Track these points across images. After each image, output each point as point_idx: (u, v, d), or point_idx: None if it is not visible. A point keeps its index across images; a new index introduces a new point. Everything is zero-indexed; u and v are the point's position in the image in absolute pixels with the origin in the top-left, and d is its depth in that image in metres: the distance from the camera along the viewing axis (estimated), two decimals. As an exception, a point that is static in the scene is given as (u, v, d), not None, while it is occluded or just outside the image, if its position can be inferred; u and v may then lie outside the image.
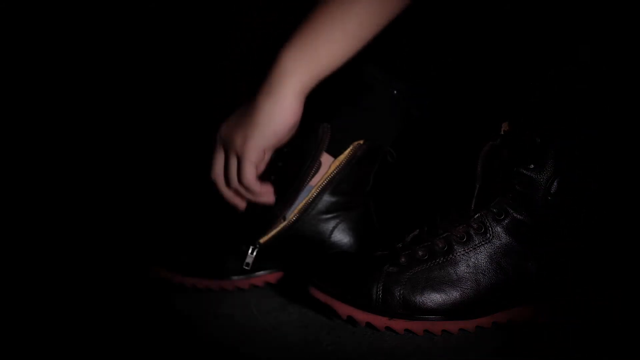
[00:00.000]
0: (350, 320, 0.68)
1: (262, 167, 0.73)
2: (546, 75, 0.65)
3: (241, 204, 0.76)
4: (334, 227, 0.79)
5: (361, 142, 0.78)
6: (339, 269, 0.70)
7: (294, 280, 0.78)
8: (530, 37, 0.67)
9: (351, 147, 0.78)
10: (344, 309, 0.68)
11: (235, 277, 0.80)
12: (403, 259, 0.67)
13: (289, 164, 0.76)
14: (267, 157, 0.73)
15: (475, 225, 0.67)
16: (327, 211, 0.78)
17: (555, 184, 0.65)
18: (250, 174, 0.71)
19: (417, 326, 0.66)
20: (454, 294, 0.66)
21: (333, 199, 0.78)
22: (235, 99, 0.89)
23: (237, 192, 0.75)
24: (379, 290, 0.66)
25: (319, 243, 0.79)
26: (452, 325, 0.66)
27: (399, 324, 0.66)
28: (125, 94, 1.26)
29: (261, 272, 0.81)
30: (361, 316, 0.67)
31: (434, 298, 0.66)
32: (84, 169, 1.24)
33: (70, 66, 1.21)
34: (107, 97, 1.26)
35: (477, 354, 0.64)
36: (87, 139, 1.26)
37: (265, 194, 0.74)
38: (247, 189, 0.73)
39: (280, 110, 0.68)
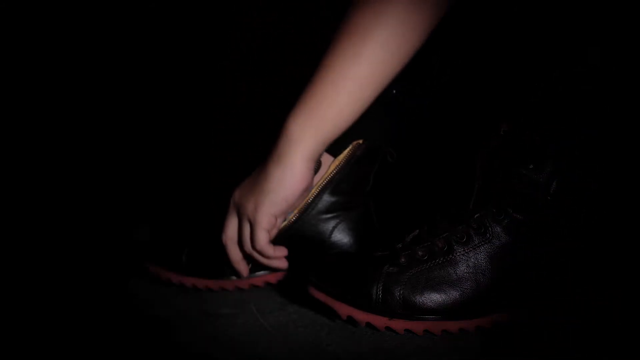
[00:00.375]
0: (350, 320, 0.68)
1: (274, 232, 0.75)
2: (551, 76, 0.65)
3: (244, 272, 0.78)
4: (334, 227, 0.79)
5: (360, 141, 0.78)
6: (339, 269, 0.70)
7: (294, 280, 0.78)
8: (534, 38, 0.67)
9: (350, 147, 0.78)
10: (344, 309, 0.68)
11: (235, 277, 0.80)
12: (403, 259, 0.67)
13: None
14: (280, 222, 0.74)
15: (475, 226, 0.67)
16: (327, 211, 0.78)
17: (555, 184, 0.65)
18: (263, 239, 0.72)
19: (417, 326, 0.66)
20: (453, 294, 0.66)
21: (333, 199, 0.78)
22: (235, 99, 0.89)
23: (249, 256, 0.76)
24: (379, 291, 0.66)
25: (319, 243, 0.79)
26: (452, 325, 0.66)
27: (399, 324, 0.66)
28: (125, 94, 1.26)
29: (261, 272, 0.81)
30: (361, 316, 0.67)
31: (434, 298, 0.66)
32: (84, 168, 1.24)
33: (70, 66, 1.21)
34: (107, 97, 1.26)
35: (477, 354, 0.64)
36: (87, 139, 1.26)
37: (279, 259, 0.75)
38: (260, 253, 0.74)
39: (290, 178, 0.69)
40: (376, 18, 0.65)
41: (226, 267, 0.79)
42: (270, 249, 0.74)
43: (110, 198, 1.19)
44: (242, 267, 0.77)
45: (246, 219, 0.73)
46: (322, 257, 0.74)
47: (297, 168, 0.69)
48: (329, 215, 0.78)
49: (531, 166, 0.66)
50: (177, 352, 0.66)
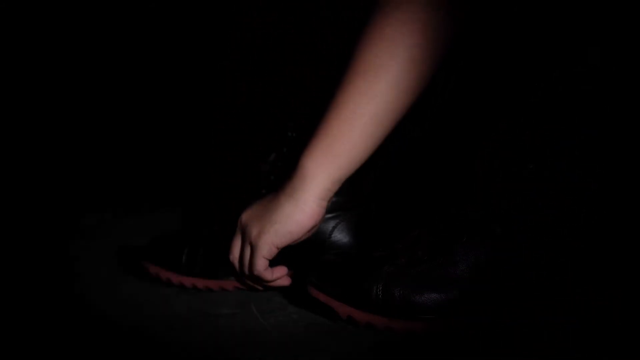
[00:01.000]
0: (350, 320, 0.68)
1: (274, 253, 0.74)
2: (551, 76, 0.65)
3: (258, 286, 0.77)
4: (334, 227, 0.79)
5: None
6: (339, 269, 0.70)
7: (294, 280, 0.78)
8: (534, 38, 0.67)
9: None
10: (344, 309, 0.68)
11: (234, 277, 0.80)
12: (403, 259, 0.67)
13: (290, 163, 0.76)
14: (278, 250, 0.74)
15: (474, 226, 0.67)
16: (327, 211, 0.78)
17: (554, 184, 0.65)
18: (261, 265, 0.72)
19: (417, 326, 0.66)
20: (454, 294, 0.66)
21: (333, 199, 0.78)
22: (235, 99, 0.89)
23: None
24: (379, 291, 0.66)
25: (319, 243, 0.78)
26: (453, 325, 0.66)
27: (399, 324, 0.66)
28: (124, 94, 1.27)
29: (261, 272, 0.80)
30: (361, 316, 0.67)
31: (434, 298, 0.66)
32: (85, 168, 1.24)
33: (69, 66, 1.21)
34: (106, 98, 1.26)
35: (477, 354, 0.64)
36: (87, 139, 1.26)
37: (277, 282, 0.75)
38: (257, 278, 0.74)
39: (299, 213, 0.69)
40: (390, 58, 0.66)
41: (226, 267, 0.79)
42: (268, 274, 0.73)
43: (110, 198, 1.19)
44: (267, 275, 0.76)
45: (248, 243, 0.73)
46: (322, 257, 0.74)
47: (309, 206, 0.69)
48: (329, 215, 0.78)
49: (531, 166, 0.65)
50: (177, 352, 0.66)
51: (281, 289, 0.79)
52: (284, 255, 0.79)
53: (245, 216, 0.74)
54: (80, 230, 1.05)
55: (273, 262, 0.78)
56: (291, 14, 0.82)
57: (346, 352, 0.65)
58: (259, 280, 0.74)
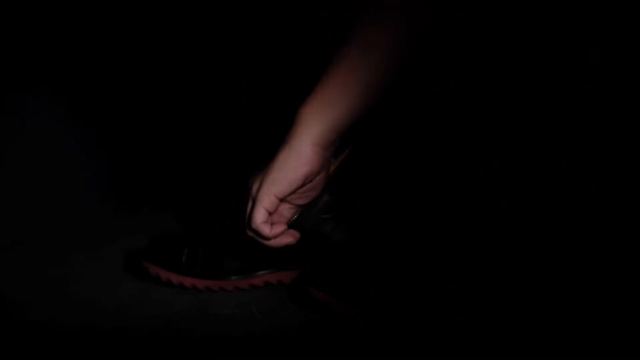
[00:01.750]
0: (350, 319, 0.68)
1: (276, 218, 0.74)
2: (551, 76, 0.65)
3: (270, 233, 0.75)
4: (334, 227, 0.79)
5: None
6: (338, 269, 0.70)
7: (294, 280, 0.78)
8: (534, 38, 0.67)
9: (350, 148, 0.78)
10: (343, 309, 0.68)
11: (234, 277, 0.80)
12: (403, 259, 0.67)
13: None
14: (285, 209, 0.74)
15: (474, 225, 0.67)
16: (327, 211, 0.78)
17: (553, 183, 0.65)
18: (259, 218, 0.72)
19: (418, 325, 0.66)
20: (453, 294, 0.66)
21: (333, 199, 0.78)
22: (235, 99, 0.89)
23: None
24: (378, 291, 0.66)
25: (319, 243, 0.78)
26: (453, 325, 0.66)
27: (399, 324, 0.66)
28: (124, 94, 1.26)
29: (261, 272, 0.81)
30: (360, 315, 0.67)
31: (434, 296, 0.66)
32: (85, 168, 1.24)
33: (69, 66, 1.21)
34: (106, 98, 1.26)
35: (477, 354, 0.64)
36: (87, 139, 1.26)
37: (280, 239, 0.74)
38: (256, 232, 0.74)
39: (294, 158, 0.70)
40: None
41: (226, 267, 0.79)
42: (265, 229, 0.73)
43: (109, 198, 1.19)
44: (264, 229, 0.74)
45: (251, 200, 0.74)
46: (322, 257, 0.74)
47: (303, 149, 0.70)
48: (329, 215, 0.78)
49: (531, 166, 0.66)
50: (177, 352, 0.66)
51: (281, 289, 0.79)
52: (285, 255, 0.80)
53: (250, 180, 0.75)
54: (80, 230, 1.05)
55: (268, 261, 0.78)
56: (291, 14, 0.82)
57: (346, 352, 0.65)
58: (259, 237, 0.74)
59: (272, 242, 0.74)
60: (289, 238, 0.74)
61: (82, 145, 1.24)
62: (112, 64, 1.24)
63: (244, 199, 0.76)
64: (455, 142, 0.84)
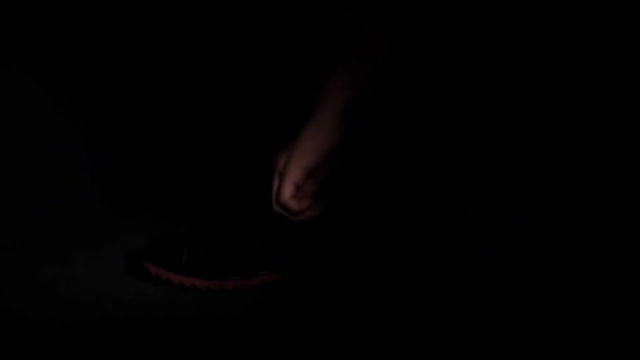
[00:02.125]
0: (350, 319, 0.68)
1: (301, 193, 0.73)
2: (551, 76, 0.65)
3: (295, 205, 0.74)
4: (334, 227, 0.79)
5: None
6: (338, 269, 0.70)
7: (294, 281, 0.78)
8: (534, 38, 0.67)
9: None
10: (343, 309, 0.68)
11: (234, 277, 0.80)
12: (403, 259, 0.68)
13: None
14: (311, 184, 0.73)
15: (474, 225, 0.67)
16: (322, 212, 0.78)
17: (553, 183, 0.65)
18: (287, 192, 0.72)
19: (418, 325, 0.66)
20: (453, 294, 0.66)
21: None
22: (235, 99, 0.89)
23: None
24: (378, 291, 0.66)
25: (320, 243, 0.78)
26: (453, 325, 0.66)
27: (399, 324, 0.66)
28: (124, 94, 1.26)
29: (261, 272, 0.81)
30: (360, 315, 0.67)
31: (434, 296, 0.66)
32: (85, 168, 1.24)
33: (69, 66, 1.21)
34: (106, 97, 1.26)
35: (477, 354, 0.64)
36: (87, 139, 1.26)
37: (306, 211, 0.74)
38: (284, 208, 0.73)
39: (318, 128, 0.70)
40: None
41: (226, 267, 0.79)
42: (294, 204, 0.72)
43: (109, 198, 1.18)
44: (292, 204, 0.74)
45: (277, 176, 0.73)
46: (322, 257, 0.74)
47: (326, 121, 0.70)
48: (328, 214, 0.78)
49: (531, 166, 0.66)
50: (177, 352, 0.66)
51: (281, 289, 0.79)
52: (285, 255, 0.80)
53: (275, 156, 0.74)
54: (80, 230, 1.05)
55: (268, 261, 0.78)
56: (291, 14, 0.82)
57: (346, 352, 0.65)
58: (287, 213, 0.74)
59: (299, 217, 0.74)
60: (316, 210, 0.74)
61: (82, 145, 1.24)
62: (112, 64, 1.24)
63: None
64: (455, 142, 0.84)
